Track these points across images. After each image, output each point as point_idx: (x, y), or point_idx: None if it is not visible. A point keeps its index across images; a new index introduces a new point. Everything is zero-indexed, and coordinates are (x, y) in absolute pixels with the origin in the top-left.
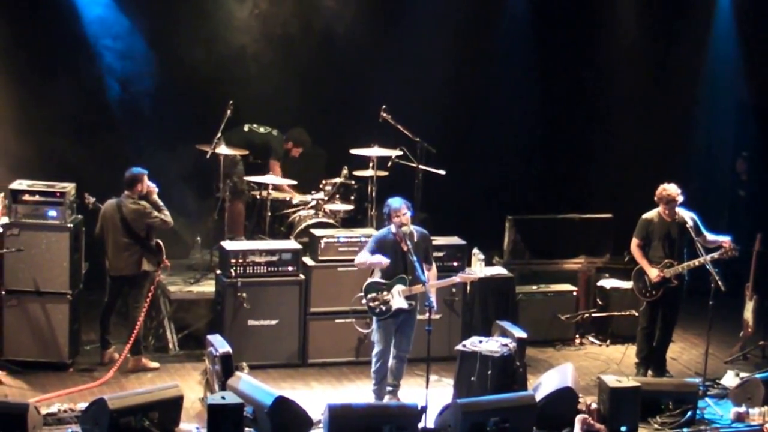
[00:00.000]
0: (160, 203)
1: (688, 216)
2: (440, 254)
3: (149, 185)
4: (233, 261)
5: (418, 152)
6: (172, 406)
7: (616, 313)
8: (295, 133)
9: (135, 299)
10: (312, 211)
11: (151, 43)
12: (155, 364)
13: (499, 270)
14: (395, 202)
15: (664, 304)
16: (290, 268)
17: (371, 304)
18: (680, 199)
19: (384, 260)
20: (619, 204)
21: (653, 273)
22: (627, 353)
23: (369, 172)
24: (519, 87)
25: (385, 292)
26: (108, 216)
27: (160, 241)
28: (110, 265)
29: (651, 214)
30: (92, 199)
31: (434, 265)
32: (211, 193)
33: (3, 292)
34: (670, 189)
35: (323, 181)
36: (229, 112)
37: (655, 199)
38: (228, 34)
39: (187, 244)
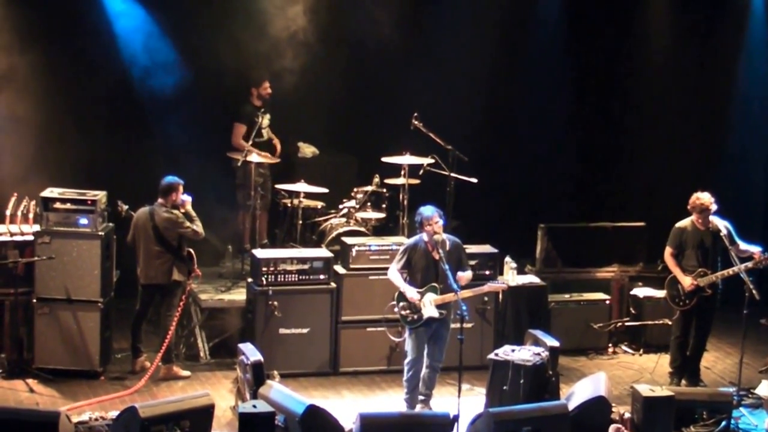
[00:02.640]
0: (193, 214)
1: (722, 224)
2: (473, 262)
3: (184, 198)
4: (264, 269)
5: (450, 160)
6: (204, 415)
7: (649, 322)
8: (254, 75)
9: (167, 308)
10: (343, 219)
11: (183, 51)
12: (186, 373)
13: (531, 278)
14: (427, 211)
15: (698, 313)
16: (321, 277)
17: (403, 312)
18: (713, 207)
19: (415, 297)
20: (652, 212)
21: (687, 282)
22: (660, 362)
23: (401, 180)
24: (551, 94)
25: (417, 302)
26: (140, 224)
27: (191, 250)
28: (141, 273)
29: (684, 223)
30: (125, 207)
31: (469, 270)
32: (239, 201)
33: (34, 300)
34: (703, 198)
35: (355, 189)
36: (260, 119)
37: (689, 207)
38: (260, 43)
39: (218, 252)
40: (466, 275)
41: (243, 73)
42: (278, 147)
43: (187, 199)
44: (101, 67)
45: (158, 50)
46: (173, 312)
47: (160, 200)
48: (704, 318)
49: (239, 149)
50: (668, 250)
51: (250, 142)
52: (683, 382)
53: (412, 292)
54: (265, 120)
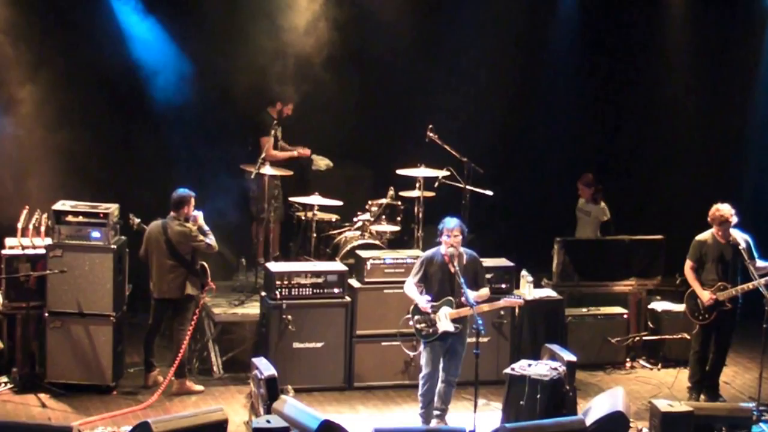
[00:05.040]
0: (206, 228)
1: (741, 238)
2: (488, 276)
3: (195, 213)
4: (278, 283)
5: (466, 172)
6: (217, 430)
7: (667, 337)
8: (283, 93)
9: (180, 322)
10: (358, 233)
11: (197, 65)
12: (200, 387)
13: (548, 292)
14: (451, 222)
15: (718, 328)
16: (336, 290)
17: (418, 326)
18: (734, 220)
19: (426, 306)
20: (670, 225)
21: (705, 296)
22: (679, 377)
23: (416, 193)
24: (568, 106)
25: (432, 315)
26: (153, 238)
27: (205, 264)
28: (154, 287)
29: (705, 236)
30: (137, 220)
31: (486, 287)
32: (253, 214)
33: (46, 314)
34: (724, 209)
35: (369, 202)
36: (273, 132)
37: (709, 220)
38: (274, 56)
39: (231, 266)
40: (481, 293)
41: (257, 86)
42: (305, 152)
43: (198, 214)
44: (113, 80)
45: (173, 63)
46: (186, 326)
47: (172, 213)
48: (724, 332)
49: (274, 160)
50: (688, 263)
51: (264, 154)
52: (702, 397)
53: (423, 301)
54: (279, 132)
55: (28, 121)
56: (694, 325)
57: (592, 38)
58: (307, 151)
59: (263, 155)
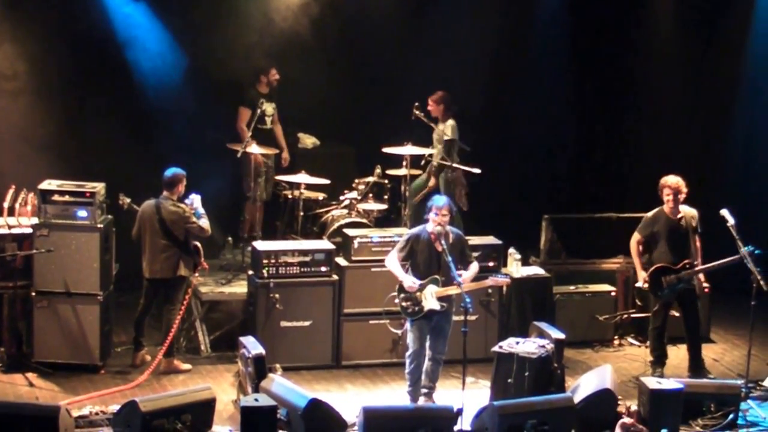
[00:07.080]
0: (202, 211)
1: (691, 213)
2: (476, 254)
3: (193, 197)
4: (265, 261)
5: None
6: (205, 409)
7: None
8: (261, 63)
9: (171, 302)
10: (345, 211)
11: (182, 42)
12: (187, 366)
13: (535, 270)
14: (440, 200)
15: (684, 306)
16: (323, 269)
17: (404, 303)
18: (684, 191)
19: (413, 285)
20: (657, 202)
21: (641, 276)
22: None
23: (402, 171)
24: (555, 84)
25: (417, 293)
26: (146, 217)
27: (198, 244)
28: (147, 267)
29: (655, 213)
30: (127, 200)
31: (475, 263)
32: (243, 192)
33: (33, 293)
34: (677, 181)
35: (356, 181)
36: (259, 110)
37: (659, 189)
38: (260, 32)
39: (218, 245)
40: (473, 270)
41: (244, 63)
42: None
43: (196, 197)
44: (100, 57)
45: (159, 40)
46: (177, 306)
47: (165, 193)
48: (691, 311)
49: (241, 133)
50: (636, 237)
51: (251, 132)
52: (687, 374)
53: (409, 281)
54: (269, 108)
55: (14, 100)
56: (656, 302)
57: (578, 14)
58: (285, 160)
59: (250, 132)
